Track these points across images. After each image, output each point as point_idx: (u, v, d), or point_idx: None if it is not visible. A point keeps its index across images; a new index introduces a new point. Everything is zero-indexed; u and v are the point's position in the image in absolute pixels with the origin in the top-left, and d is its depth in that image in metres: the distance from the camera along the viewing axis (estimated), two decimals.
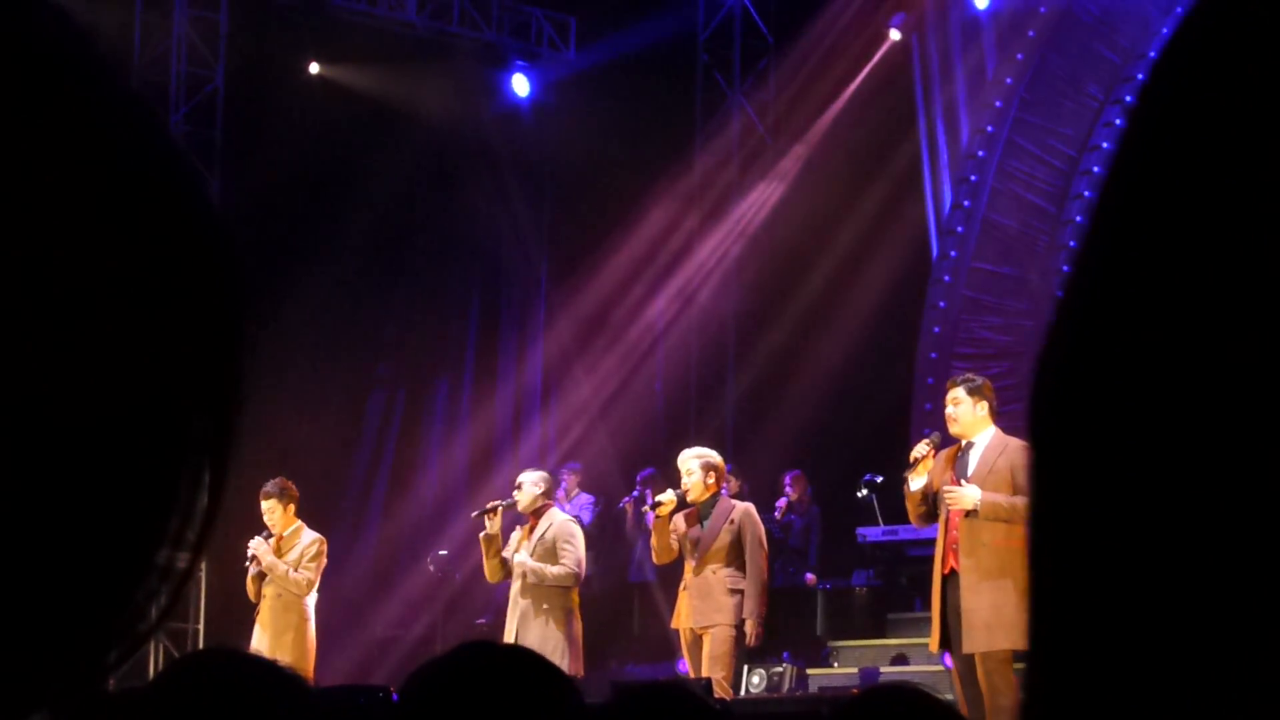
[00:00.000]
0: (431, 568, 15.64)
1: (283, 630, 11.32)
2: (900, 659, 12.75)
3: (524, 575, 10.97)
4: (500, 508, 11.26)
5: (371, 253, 17.47)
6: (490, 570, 11.32)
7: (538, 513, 11.13)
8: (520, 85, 18.54)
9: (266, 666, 2.39)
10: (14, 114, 0.67)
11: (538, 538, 11.05)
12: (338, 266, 16.94)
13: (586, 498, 16.20)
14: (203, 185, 0.73)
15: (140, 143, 0.71)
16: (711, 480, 10.59)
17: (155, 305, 0.69)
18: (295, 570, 11.35)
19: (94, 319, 0.67)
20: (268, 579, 11.41)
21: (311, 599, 11.49)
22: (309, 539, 11.49)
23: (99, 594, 0.69)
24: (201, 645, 14.75)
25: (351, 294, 17.00)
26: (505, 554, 11.19)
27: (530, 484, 11.18)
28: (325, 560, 11.54)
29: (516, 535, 11.25)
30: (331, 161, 16.85)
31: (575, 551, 11.06)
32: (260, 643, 11.20)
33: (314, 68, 17.37)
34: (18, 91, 0.68)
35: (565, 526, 11.14)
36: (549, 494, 11.30)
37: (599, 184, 17.74)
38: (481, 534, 11.34)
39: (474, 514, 11.79)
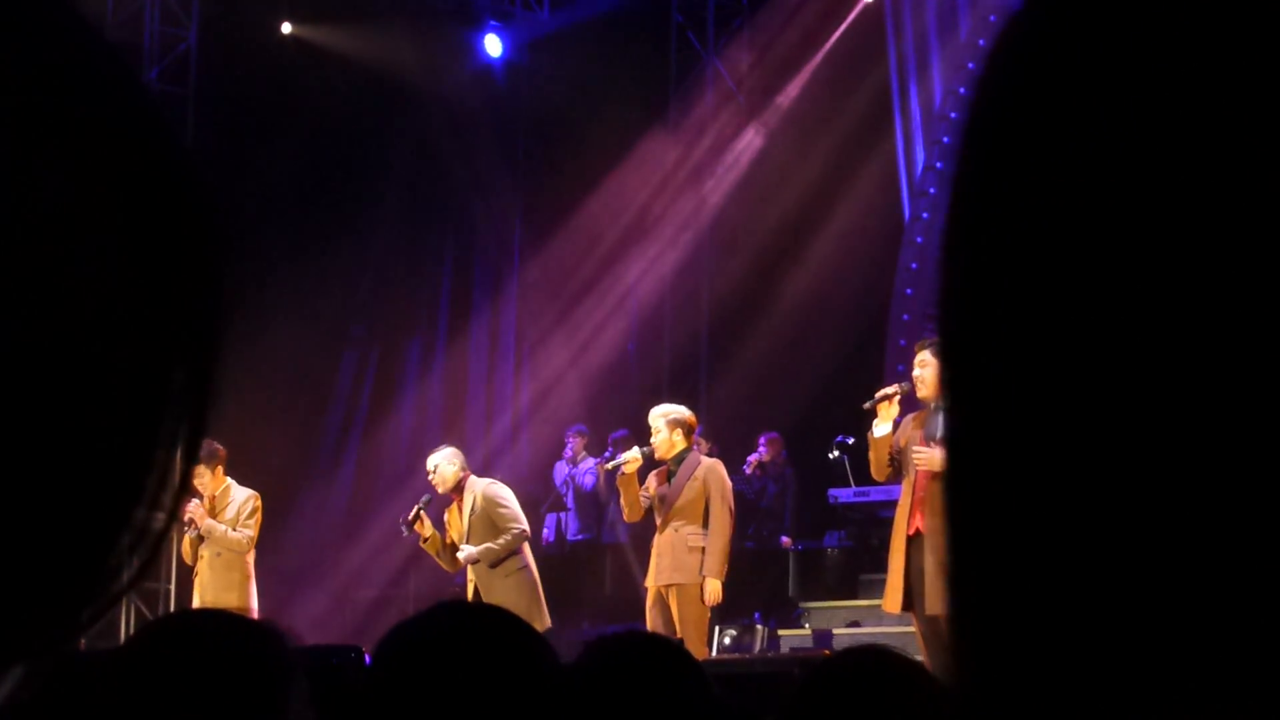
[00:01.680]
0: (403, 529, 15.62)
1: (225, 589, 11.22)
2: (854, 623, 12.78)
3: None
4: (422, 509, 11.18)
5: (344, 212, 17.42)
6: (449, 565, 11.29)
7: (459, 487, 11.09)
8: (493, 45, 18.46)
9: (249, 627, 2.38)
10: None
11: (468, 512, 10.99)
12: (309, 226, 16.90)
13: (594, 461, 16.12)
14: (177, 135, 0.72)
15: (114, 92, 0.70)
16: (679, 436, 10.50)
17: (132, 257, 0.69)
18: (234, 529, 11.29)
19: (69, 271, 0.67)
20: (205, 540, 11.35)
21: (251, 557, 11.43)
22: (242, 496, 11.40)
23: (74, 551, 0.69)
24: (173, 606, 14.73)
25: (324, 254, 16.94)
26: (451, 540, 11.17)
27: (445, 463, 11.09)
28: (261, 515, 11.47)
29: (447, 517, 11.22)
30: (303, 122, 16.78)
31: (511, 509, 11.03)
32: (202, 603, 11.09)
33: (286, 27, 17.28)
34: None
35: (488, 490, 11.08)
36: (464, 465, 11.19)
37: (572, 144, 17.70)
38: (420, 543, 11.28)
39: (403, 532, 11.52)
